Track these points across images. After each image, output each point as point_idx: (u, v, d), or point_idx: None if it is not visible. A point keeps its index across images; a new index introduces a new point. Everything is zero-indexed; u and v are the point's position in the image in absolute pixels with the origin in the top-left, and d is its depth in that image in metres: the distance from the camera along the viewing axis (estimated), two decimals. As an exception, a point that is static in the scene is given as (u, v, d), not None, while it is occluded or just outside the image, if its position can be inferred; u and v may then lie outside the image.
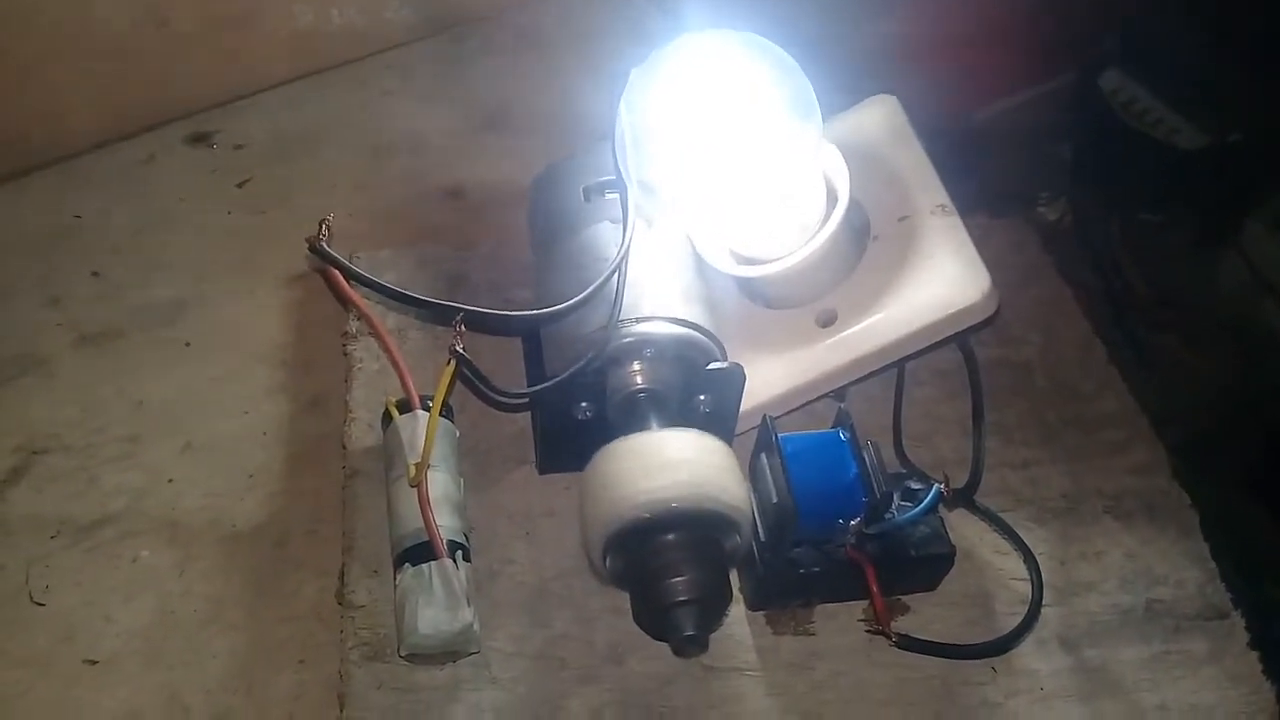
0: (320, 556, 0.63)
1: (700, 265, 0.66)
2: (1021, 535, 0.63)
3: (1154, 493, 0.67)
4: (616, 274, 0.59)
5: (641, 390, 0.59)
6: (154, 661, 0.60)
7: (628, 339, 0.59)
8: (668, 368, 0.60)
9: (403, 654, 0.55)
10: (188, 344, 0.75)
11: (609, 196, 0.65)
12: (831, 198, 0.65)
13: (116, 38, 0.85)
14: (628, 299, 0.59)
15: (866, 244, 0.67)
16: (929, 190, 0.67)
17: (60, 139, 0.86)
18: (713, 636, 0.56)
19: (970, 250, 0.63)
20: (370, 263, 0.75)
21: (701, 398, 0.62)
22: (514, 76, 0.96)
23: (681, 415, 0.60)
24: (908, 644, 0.56)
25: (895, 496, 0.58)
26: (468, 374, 0.53)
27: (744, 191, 0.62)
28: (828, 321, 0.65)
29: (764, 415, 0.59)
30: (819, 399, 0.66)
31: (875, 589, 0.55)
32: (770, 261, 0.64)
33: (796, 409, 0.66)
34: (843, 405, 0.60)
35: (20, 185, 0.85)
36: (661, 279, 0.62)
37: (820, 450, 0.57)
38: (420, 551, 0.56)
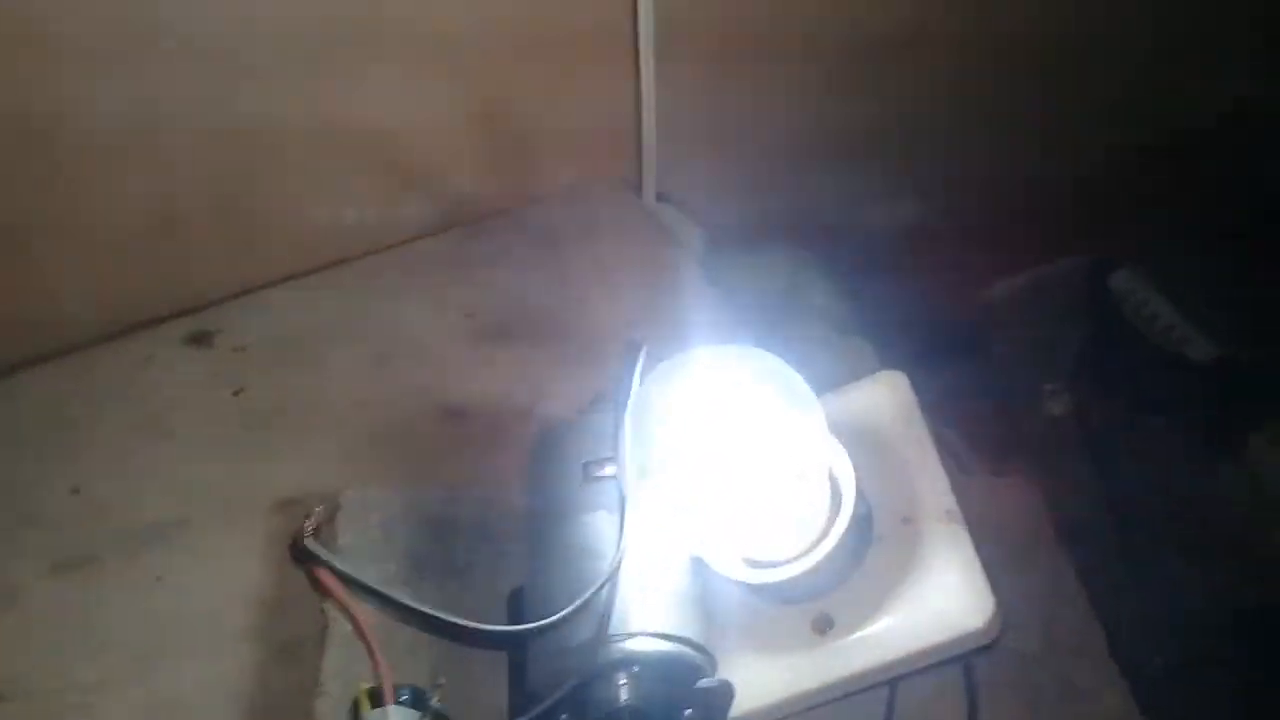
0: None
1: (695, 560, 0.64)
2: None
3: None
4: (606, 586, 0.58)
5: (624, 706, 0.57)
6: None
7: (614, 655, 0.57)
8: (654, 684, 0.58)
9: None
10: (159, 578, 0.72)
11: (607, 474, 0.64)
12: (836, 495, 0.63)
13: (124, 231, 0.84)
14: (617, 609, 0.58)
15: (870, 541, 0.65)
16: (935, 491, 0.65)
17: (60, 331, 0.85)
18: None
19: (975, 568, 0.62)
20: (358, 504, 0.73)
21: (688, 712, 0.59)
22: (523, 280, 0.94)
23: (666, 730, 0.58)
24: None
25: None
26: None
27: (746, 500, 0.61)
28: (824, 628, 0.63)
29: None
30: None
31: None
32: (770, 566, 0.62)
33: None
34: None
35: (16, 380, 0.83)
36: (652, 586, 0.60)
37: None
38: None
